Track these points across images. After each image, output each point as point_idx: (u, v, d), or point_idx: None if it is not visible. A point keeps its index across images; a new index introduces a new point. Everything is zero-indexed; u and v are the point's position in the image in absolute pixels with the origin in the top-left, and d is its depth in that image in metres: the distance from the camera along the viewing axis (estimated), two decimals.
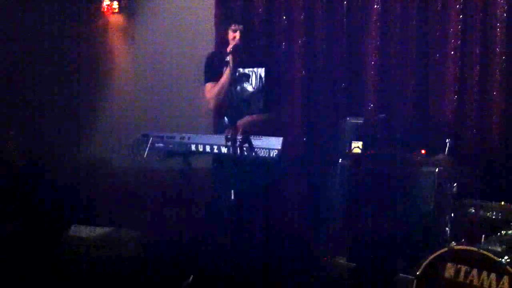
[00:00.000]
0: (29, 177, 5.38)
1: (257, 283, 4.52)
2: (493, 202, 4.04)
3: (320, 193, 5.13)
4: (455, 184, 4.07)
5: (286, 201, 5.30)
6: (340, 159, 4.67)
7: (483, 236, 3.84)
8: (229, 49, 4.37)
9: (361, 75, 5.17)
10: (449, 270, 3.73)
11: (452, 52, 4.86)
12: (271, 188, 4.69)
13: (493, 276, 3.57)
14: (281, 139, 4.07)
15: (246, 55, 4.51)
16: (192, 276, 4.48)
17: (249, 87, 4.60)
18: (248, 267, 4.42)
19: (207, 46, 5.31)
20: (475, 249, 3.66)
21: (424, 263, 3.83)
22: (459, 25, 4.81)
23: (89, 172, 5.92)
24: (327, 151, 5.05)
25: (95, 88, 6.18)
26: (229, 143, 4.05)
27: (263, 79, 4.61)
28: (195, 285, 4.46)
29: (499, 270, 3.54)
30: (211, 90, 4.58)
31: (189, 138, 4.29)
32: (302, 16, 5.24)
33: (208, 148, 4.23)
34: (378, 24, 5.06)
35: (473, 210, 4.02)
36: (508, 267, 3.51)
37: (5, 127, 5.42)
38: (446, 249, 3.76)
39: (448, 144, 4.36)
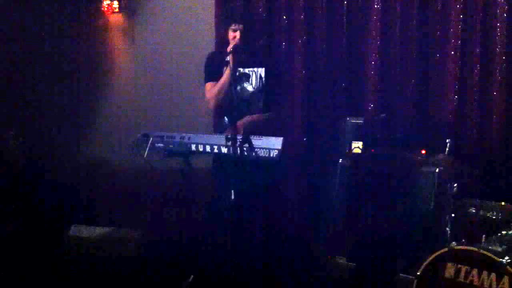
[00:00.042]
0: (29, 177, 5.38)
1: (257, 283, 4.52)
2: (494, 202, 4.04)
3: (320, 193, 5.13)
4: (455, 184, 4.07)
5: (286, 201, 5.30)
6: (340, 159, 4.66)
7: (484, 236, 3.84)
8: (229, 48, 4.37)
9: (361, 75, 5.17)
10: (449, 270, 3.73)
11: (452, 52, 4.85)
12: (271, 188, 4.69)
13: (493, 276, 3.57)
14: (281, 139, 4.07)
15: (246, 55, 4.51)
16: (192, 276, 4.48)
17: (249, 87, 4.60)
18: (248, 267, 4.42)
19: (207, 45, 5.31)
20: (475, 249, 3.66)
21: (425, 263, 3.83)
22: (459, 25, 4.81)
23: (89, 172, 5.92)
24: (327, 151, 5.05)
25: (95, 88, 6.18)
26: (229, 143, 4.05)
27: (263, 79, 4.61)
28: (195, 285, 4.46)
29: (500, 270, 3.54)
30: (211, 90, 4.58)
31: (189, 138, 4.29)
32: (302, 16, 5.24)
33: (208, 148, 4.24)
34: (378, 24, 5.05)
35: (474, 210, 4.02)
36: (508, 267, 3.51)
37: (5, 127, 5.41)
38: (446, 249, 3.76)
39: (448, 144, 4.36)
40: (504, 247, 3.67)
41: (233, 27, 4.48)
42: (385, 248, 4.56)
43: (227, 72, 4.39)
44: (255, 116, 4.54)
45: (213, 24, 5.49)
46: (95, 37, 6.11)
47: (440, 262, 3.77)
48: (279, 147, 4.04)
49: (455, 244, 3.77)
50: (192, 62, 5.25)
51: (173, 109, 5.68)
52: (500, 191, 4.37)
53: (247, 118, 4.47)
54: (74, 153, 6.05)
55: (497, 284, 3.54)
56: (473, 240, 3.84)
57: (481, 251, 3.62)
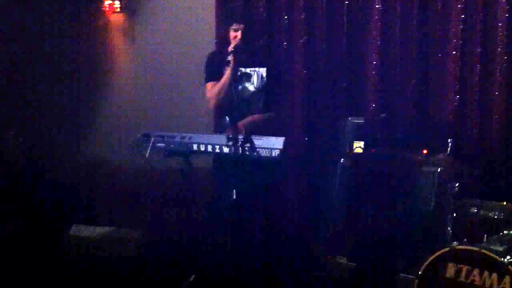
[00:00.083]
0: (29, 177, 5.38)
1: (257, 283, 4.52)
2: (494, 202, 4.03)
3: (320, 193, 5.13)
4: (456, 184, 4.07)
5: (287, 201, 5.30)
6: (341, 159, 4.66)
7: (485, 236, 3.85)
8: (230, 48, 4.37)
9: (362, 75, 5.17)
10: (451, 270, 3.73)
11: (453, 52, 4.85)
12: (271, 188, 4.69)
13: (494, 276, 3.57)
14: (282, 139, 4.07)
15: (247, 55, 4.51)
16: (192, 276, 4.48)
17: (250, 87, 4.61)
18: (248, 267, 4.42)
19: (208, 45, 5.30)
20: (476, 249, 3.66)
21: (425, 263, 3.83)
22: (459, 25, 4.81)
23: (89, 172, 5.92)
24: (328, 151, 5.05)
25: (96, 87, 6.17)
26: (230, 143, 4.05)
27: (264, 79, 4.61)
28: (195, 285, 4.46)
29: (501, 270, 3.54)
30: (212, 90, 4.58)
31: (190, 137, 4.29)
32: (302, 16, 5.24)
33: (209, 148, 4.24)
34: (378, 23, 5.05)
35: (475, 210, 4.01)
36: (509, 267, 3.51)
37: (5, 127, 5.41)
38: (447, 249, 3.76)
39: (449, 144, 4.37)
40: (505, 246, 3.68)
41: (234, 26, 4.48)
42: (385, 248, 4.56)
43: (228, 72, 4.40)
44: (256, 116, 4.55)
45: (213, 24, 5.49)
46: (95, 37, 6.11)
47: (441, 262, 3.77)
48: (280, 147, 4.04)
49: (456, 244, 3.77)
50: (192, 62, 5.25)
51: (174, 109, 5.68)
52: (500, 191, 4.37)
53: (248, 119, 4.47)
54: (74, 153, 6.05)
55: (499, 284, 3.55)
56: (474, 240, 3.84)
57: (482, 251, 3.62)
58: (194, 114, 5.45)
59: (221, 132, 4.38)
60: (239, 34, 4.46)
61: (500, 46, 4.71)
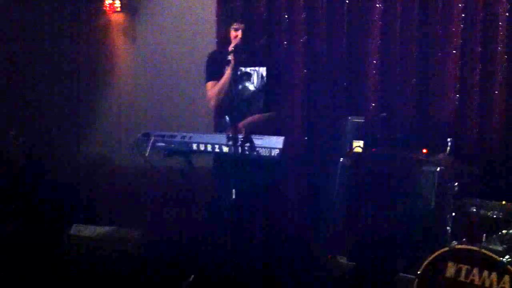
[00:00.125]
0: (29, 177, 5.38)
1: (257, 283, 4.52)
2: (494, 201, 4.03)
3: (320, 193, 5.13)
4: (455, 184, 4.07)
5: (287, 201, 5.30)
6: (341, 159, 4.66)
7: (484, 235, 3.84)
8: (230, 48, 4.38)
9: (362, 74, 5.16)
10: (450, 270, 3.73)
11: (453, 52, 4.85)
12: (271, 188, 4.69)
13: (494, 275, 3.58)
14: (282, 138, 4.07)
15: (247, 55, 4.51)
16: (192, 276, 4.48)
17: (251, 86, 4.61)
18: (248, 267, 4.42)
19: (209, 45, 5.30)
20: (476, 248, 3.67)
21: (425, 263, 3.84)
22: (460, 25, 4.80)
23: (90, 171, 5.92)
24: (328, 150, 5.05)
25: (96, 87, 6.18)
26: (230, 143, 4.05)
27: (264, 78, 4.61)
28: (195, 285, 4.46)
29: (500, 269, 3.54)
30: (212, 89, 4.58)
31: (190, 137, 4.29)
32: (303, 15, 5.24)
33: (209, 148, 4.23)
34: (379, 23, 5.05)
35: (474, 210, 4.01)
36: (509, 266, 3.52)
37: (5, 127, 5.41)
38: (447, 248, 3.77)
39: (449, 143, 4.37)
40: (505, 246, 3.68)
41: (234, 26, 4.48)
42: (385, 247, 4.56)
43: (228, 71, 4.40)
44: (256, 116, 4.55)
45: (214, 24, 5.48)
46: (95, 37, 6.11)
47: (441, 261, 3.78)
48: (280, 147, 4.04)
49: (456, 244, 3.77)
50: (192, 61, 5.26)
51: (174, 108, 5.69)
52: (500, 191, 4.37)
53: (248, 119, 4.47)
54: (74, 153, 6.05)
55: (498, 283, 3.55)
56: (473, 239, 3.84)
57: (482, 250, 3.63)
58: (194, 114, 5.46)
59: (221, 132, 4.37)
60: (239, 33, 4.47)
61: (500, 46, 4.71)
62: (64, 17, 6.00)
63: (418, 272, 3.85)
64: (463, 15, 4.80)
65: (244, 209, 4.31)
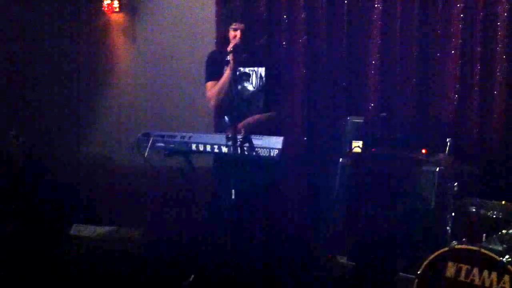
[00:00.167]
0: (29, 177, 5.38)
1: (257, 283, 4.52)
2: (494, 201, 4.03)
3: (320, 193, 5.13)
4: (455, 183, 4.06)
5: (286, 201, 5.30)
6: (341, 159, 4.66)
7: (484, 235, 3.84)
8: (230, 48, 4.36)
9: (362, 74, 5.16)
10: (450, 270, 3.73)
11: (453, 52, 4.85)
12: (271, 188, 4.69)
13: (494, 275, 3.57)
14: (281, 138, 4.06)
15: (247, 54, 4.50)
16: (192, 276, 4.48)
17: (250, 87, 4.60)
18: (248, 267, 4.42)
19: (208, 45, 5.30)
20: (476, 248, 3.66)
21: (425, 263, 3.83)
22: (460, 24, 4.80)
23: (89, 171, 5.93)
24: (327, 150, 5.05)
25: (96, 87, 6.18)
26: (230, 143, 4.05)
27: (264, 79, 4.61)
28: (195, 285, 4.46)
29: (500, 269, 3.54)
30: (212, 89, 4.58)
31: (189, 137, 4.28)
32: (303, 15, 5.24)
33: (208, 148, 4.23)
34: (379, 23, 5.05)
35: (474, 209, 4.01)
36: (509, 266, 3.51)
37: (5, 127, 5.41)
38: (447, 248, 3.76)
39: (448, 143, 4.37)
40: (505, 246, 3.67)
41: (234, 26, 4.48)
42: (385, 247, 4.56)
43: (227, 71, 4.39)
44: (255, 117, 4.55)
45: (213, 24, 5.49)
46: (95, 37, 6.12)
47: (441, 261, 3.77)
48: (280, 147, 4.03)
49: (456, 243, 3.77)
50: (192, 61, 5.27)
51: (174, 108, 5.69)
52: (500, 191, 4.37)
53: (248, 119, 4.47)
54: (74, 152, 6.05)
55: (498, 283, 3.55)
56: (473, 239, 3.83)
57: (482, 250, 3.63)
58: (194, 114, 5.46)
59: (221, 132, 4.37)
60: (239, 33, 4.46)
61: (500, 46, 4.71)
62: (64, 17, 6.00)
63: (418, 272, 3.85)
64: (463, 15, 4.80)
65: (244, 209, 4.30)
